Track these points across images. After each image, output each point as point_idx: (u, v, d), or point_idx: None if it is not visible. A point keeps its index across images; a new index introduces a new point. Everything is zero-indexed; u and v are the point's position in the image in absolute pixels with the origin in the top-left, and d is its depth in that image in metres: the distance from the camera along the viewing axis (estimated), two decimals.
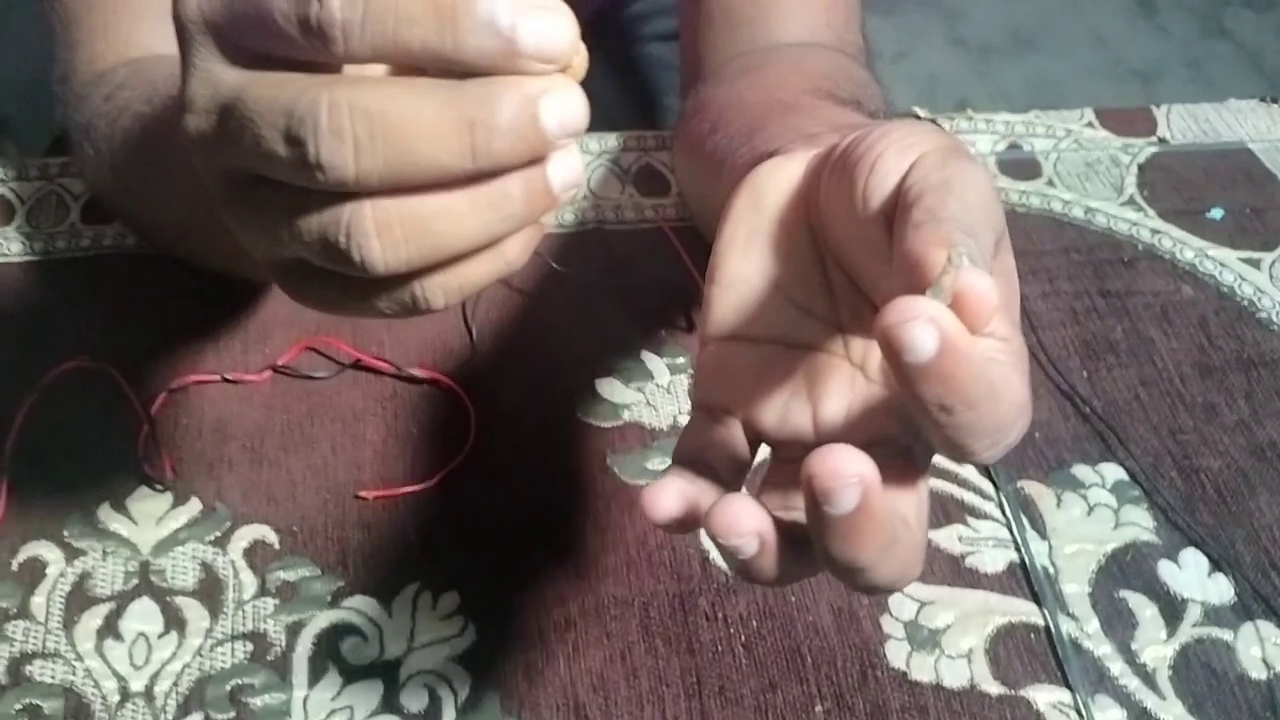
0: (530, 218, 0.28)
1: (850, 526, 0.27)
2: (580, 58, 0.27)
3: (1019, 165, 0.69)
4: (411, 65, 0.26)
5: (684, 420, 0.57)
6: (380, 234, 0.26)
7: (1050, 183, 0.69)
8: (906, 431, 0.31)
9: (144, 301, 0.59)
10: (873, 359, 0.34)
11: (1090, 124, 0.72)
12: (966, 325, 0.26)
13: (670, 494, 0.32)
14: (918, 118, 0.71)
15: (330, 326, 0.58)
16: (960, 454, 0.28)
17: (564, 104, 0.26)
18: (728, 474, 0.34)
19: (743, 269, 0.36)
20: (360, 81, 0.26)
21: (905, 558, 0.29)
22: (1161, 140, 0.71)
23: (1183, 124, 0.73)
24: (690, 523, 0.32)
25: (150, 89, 0.47)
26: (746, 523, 0.29)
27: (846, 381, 0.34)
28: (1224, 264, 0.65)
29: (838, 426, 0.33)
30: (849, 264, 0.34)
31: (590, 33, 0.86)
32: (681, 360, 0.59)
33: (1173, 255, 0.65)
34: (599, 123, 0.76)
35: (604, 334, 0.60)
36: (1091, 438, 0.58)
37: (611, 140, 0.69)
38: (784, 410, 0.34)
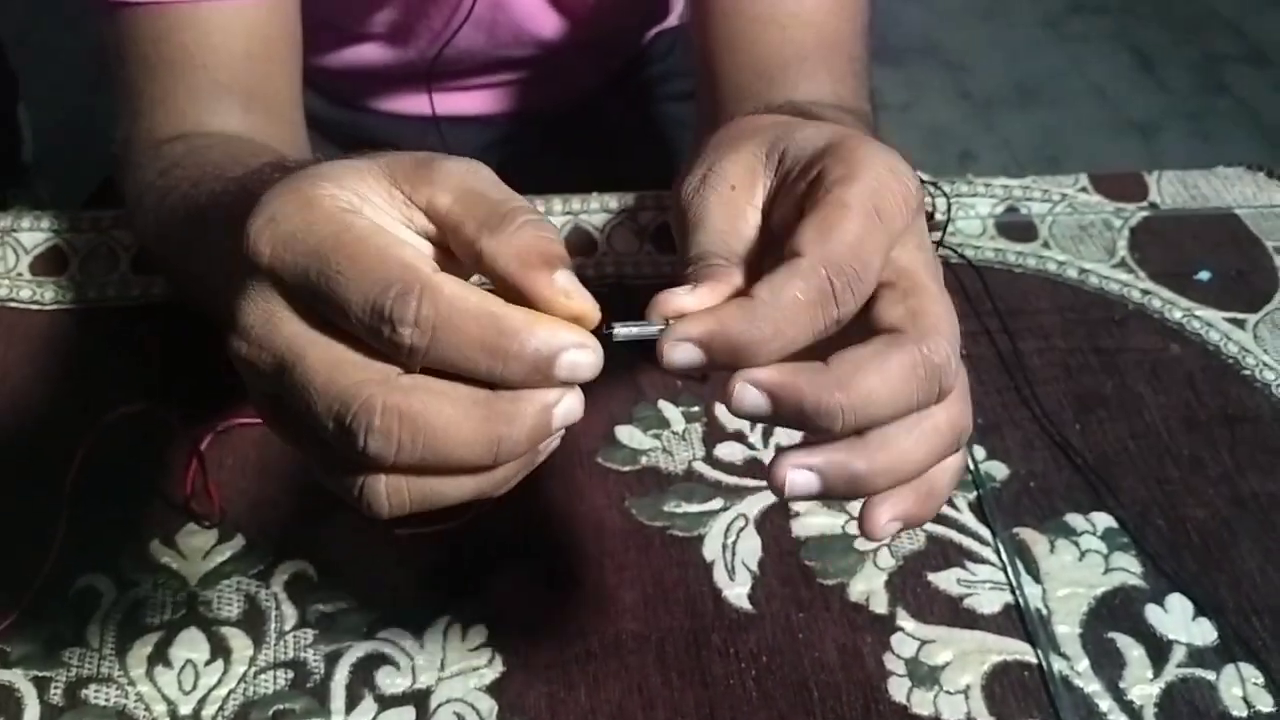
0: (519, 475, 0.33)
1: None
2: (597, 312, 0.33)
3: (1016, 228, 0.73)
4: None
5: (699, 466, 0.61)
6: (390, 496, 0.32)
7: (1046, 244, 0.72)
8: None
9: (190, 347, 0.63)
10: None
11: (1084, 188, 0.76)
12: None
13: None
14: (920, 181, 0.74)
15: None
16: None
17: (573, 404, 0.32)
18: None
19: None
20: (412, 390, 0.30)
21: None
22: (1152, 205, 0.75)
23: (1173, 189, 0.77)
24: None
25: (199, 173, 0.51)
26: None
27: None
28: (1210, 324, 0.69)
29: None
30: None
31: (610, 93, 0.91)
32: (696, 409, 0.63)
33: (1162, 315, 0.69)
34: (619, 179, 0.80)
35: (623, 384, 0.64)
36: (1083, 487, 0.61)
37: (630, 199, 0.73)
38: None
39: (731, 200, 0.37)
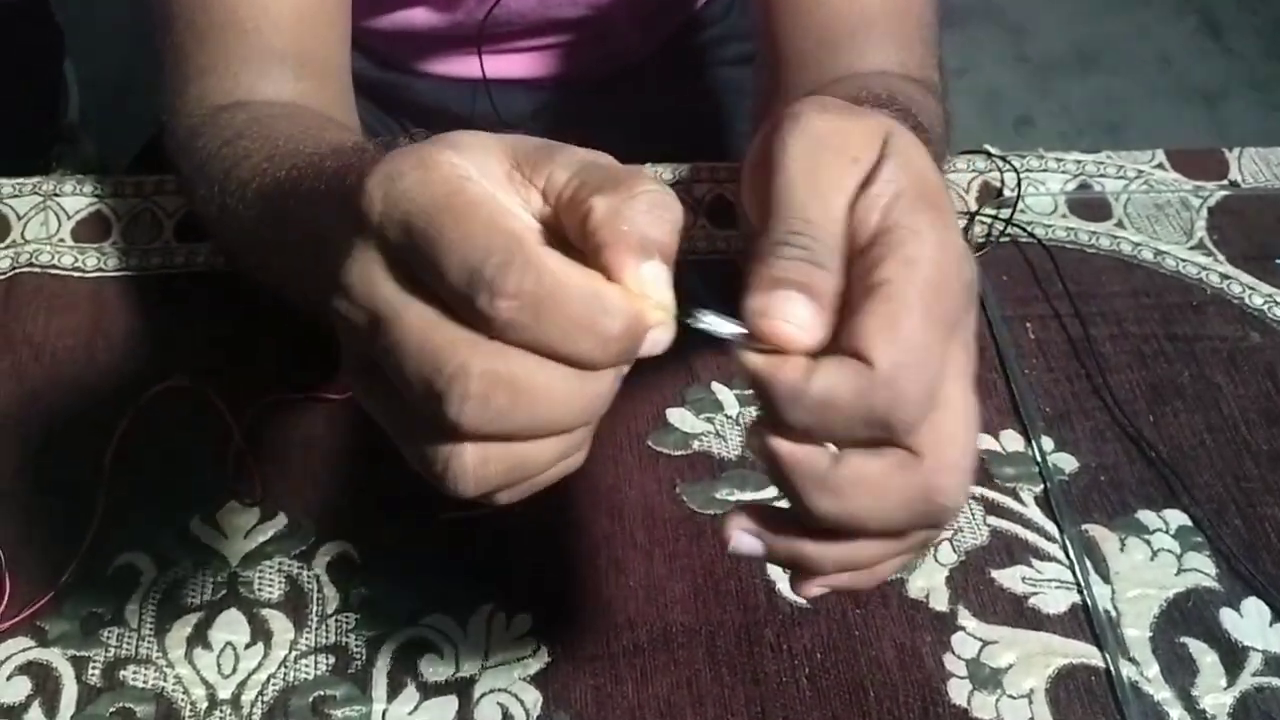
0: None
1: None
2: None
3: (1089, 206, 0.70)
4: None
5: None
6: (476, 470, 0.30)
7: (1120, 224, 0.69)
8: None
9: (234, 318, 0.61)
10: None
11: (1161, 165, 0.73)
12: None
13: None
14: (989, 155, 0.71)
15: None
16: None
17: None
18: None
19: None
20: (507, 354, 0.29)
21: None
22: (1232, 183, 0.72)
23: (1254, 167, 0.73)
24: None
25: (272, 147, 0.49)
26: None
27: None
28: None
29: None
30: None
31: (664, 58, 0.87)
32: (750, 392, 0.61)
33: (1241, 301, 0.66)
34: (672, 147, 0.77)
35: (675, 365, 0.61)
36: (1156, 482, 0.59)
37: (684, 170, 0.70)
38: None
39: (844, 170, 0.33)
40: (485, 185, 0.31)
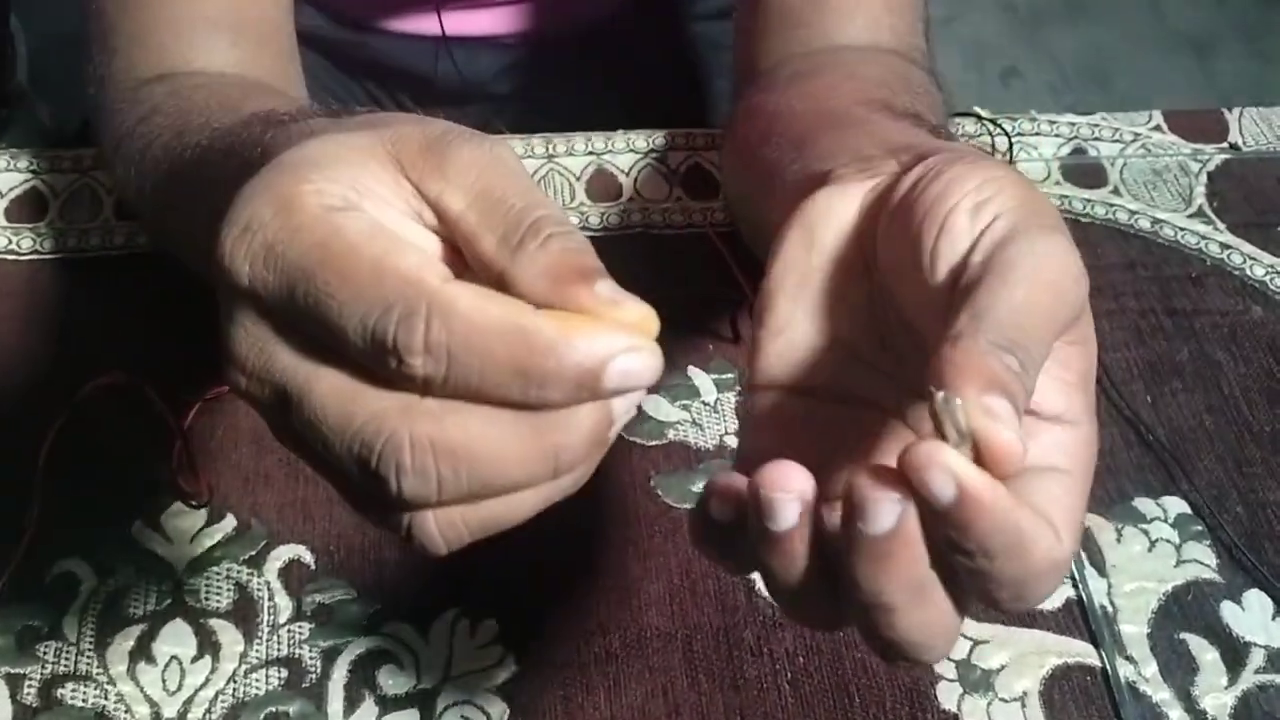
0: (590, 470, 0.28)
1: (882, 551, 0.26)
2: (656, 325, 0.27)
3: (1083, 171, 0.67)
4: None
5: (731, 441, 0.55)
6: (445, 534, 0.27)
7: (1115, 190, 0.66)
8: None
9: (180, 303, 0.57)
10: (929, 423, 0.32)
11: (1159, 127, 0.69)
12: (992, 471, 0.25)
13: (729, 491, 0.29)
14: (979, 118, 0.68)
15: None
16: (981, 598, 0.27)
17: (633, 400, 0.26)
18: None
19: (794, 314, 0.34)
20: (443, 415, 0.25)
21: (936, 615, 0.28)
22: (1233, 146, 0.68)
23: (1255, 129, 0.69)
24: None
25: (182, 121, 0.45)
26: (796, 480, 0.27)
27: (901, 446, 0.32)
28: None
29: None
30: (909, 318, 0.33)
31: (639, 13, 0.83)
32: (729, 376, 0.58)
33: (1243, 272, 0.63)
34: (646, 107, 0.73)
35: None
36: (1155, 467, 0.56)
37: (659, 138, 0.67)
38: (841, 473, 0.32)
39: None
40: (365, 212, 0.27)
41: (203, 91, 0.49)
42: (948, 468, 0.25)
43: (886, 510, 0.25)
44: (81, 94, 0.69)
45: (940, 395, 0.25)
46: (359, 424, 0.26)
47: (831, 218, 0.34)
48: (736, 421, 0.56)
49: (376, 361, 0.25)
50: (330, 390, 0.26)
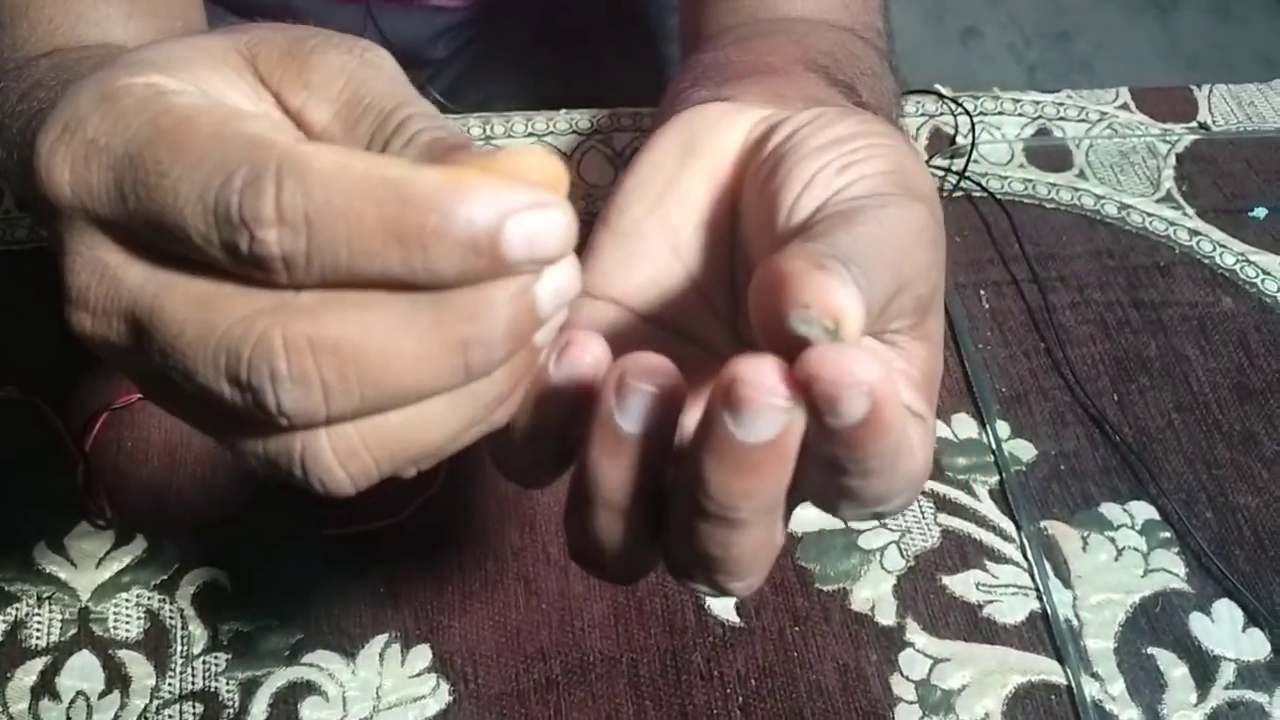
0: (518, 386, 0.23)
1: (751, 462, 0.22)
2: (565, 182, 0.22)
3: (1048, 154, 0.64)
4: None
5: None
6: (346, 463, 0.22)
7: (1081, 174, 0.63)
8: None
9: None
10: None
11: (1125, 105, 0.66)
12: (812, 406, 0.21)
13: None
14: (940, 96, 0.64)
15: None
16: (828, 509, 0.25)
17: (560, 279, 0.22)
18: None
19: (646, 226, 0.30)
20: (321, 309, 0.21)
21: (772, 538, 0.25)
22: (1202, 126, 0.66)
23: (1224, 107, 0.67)
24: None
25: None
26: (664, 371, 0.23)
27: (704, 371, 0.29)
28: (1267, 271, 0.60)
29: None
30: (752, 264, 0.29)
31: None
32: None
33: (1212, 260, 0.60)
34: (593, 84, 0.70)
35: None
36: (1121, 470, 0.53)
37: (604, 117, 0.63)
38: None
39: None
40: (205, 95, 0.22)
41: (89, 63, 0.45)
42: (864, 383, 0.21)
43: (769, 416, 0.21)
44: None
45: (793, 314, 0.21)
46: (222, 331, 0.21)
47: (716, 136, 0.30)
48: None
49: (228, 250, 0.21)
50: (185, 301, 0.21)
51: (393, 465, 0.23)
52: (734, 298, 0.31)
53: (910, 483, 0.25)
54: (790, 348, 0.22)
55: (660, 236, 0.30)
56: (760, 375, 0.21)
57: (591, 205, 0.59)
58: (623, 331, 0.30)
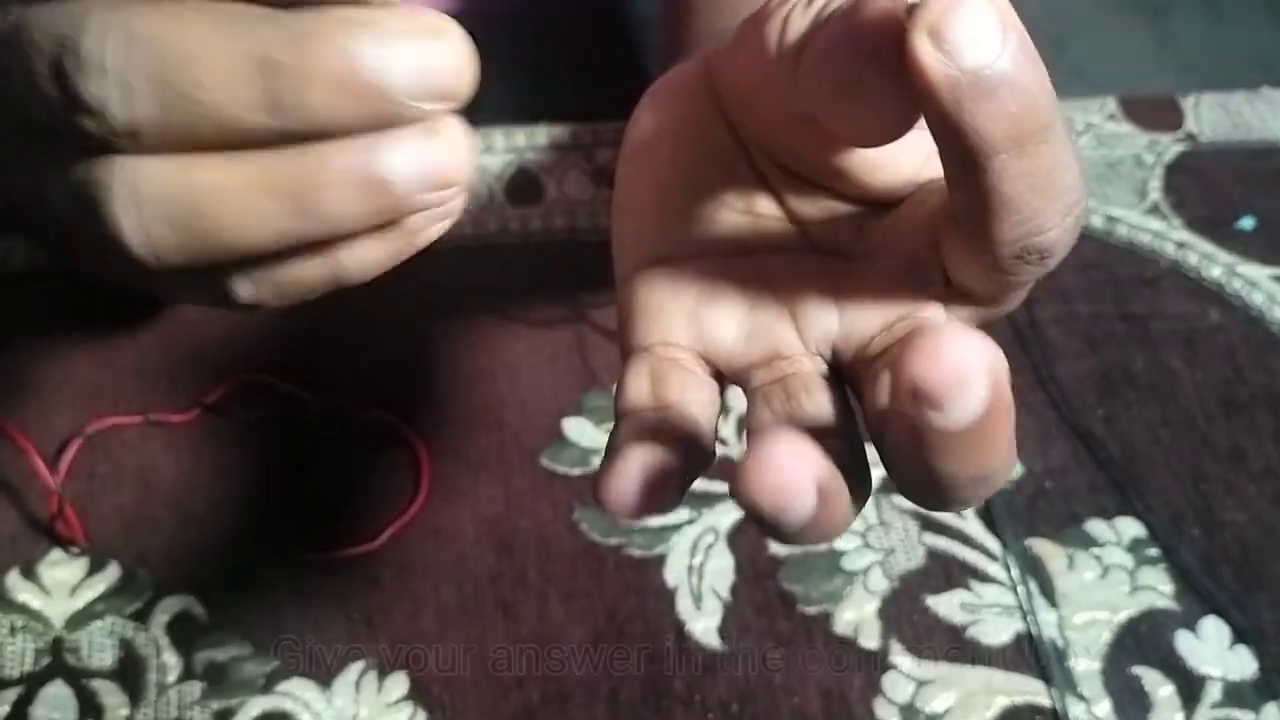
0: (363, 221, 0.21)
1: (976, 435, 0.21)
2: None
3: None
4: None
5: None
6: (140, 208, 0.20)
7: None
8: (933, 282, 0.26)
9: (58, 328, 0.53)
10: (847, 231, 0.28)
11: (1113, 116, 0.66)
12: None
13: (633, 471, 0.24)
14: None
15: (268, 359, 0.52)
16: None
17: (416, 44, 0.19)
18: (696, 426, 0.27)
19: (658, 181, 0.29)
20: (146, 5, 0.20)
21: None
22: (1190, 136, 0.65)
23: (1213, 116, 0.66)
24: (661, 493, 0.25)
25: None
26: (804, 470, 0.21)
27: (827, 271, 0.27)
28: (1254, 283, 0.59)
29: (830, 324, 0.27)
30: (779, 145, 0.28)
31: None
32: None
33: (1199, 273, 0.60)
34: (575, 100, 0.69)
35: (571, 366, 0.54)
36: (1107, 487, 0.53)
37: (585, 133, 0.62)
38: (752, 325, 0.27)
39: None
40: None
41: None
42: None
43: (974, 393, 0.20)
44: None
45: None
46: (62, 19, 0.20)
47: (684, 78, 0.30)
48: None
49: None
50: (46, 10, 0.20)
51: (191, 238, 0.20)
52: (768, 188, 0.29)
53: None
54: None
55: (678, 187, 0.29)
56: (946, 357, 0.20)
57: (573, 221, 0.59)
58: (691, 277, 0.28)
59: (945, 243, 0.24)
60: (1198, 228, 0.61)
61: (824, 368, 0.27)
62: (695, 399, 0.27)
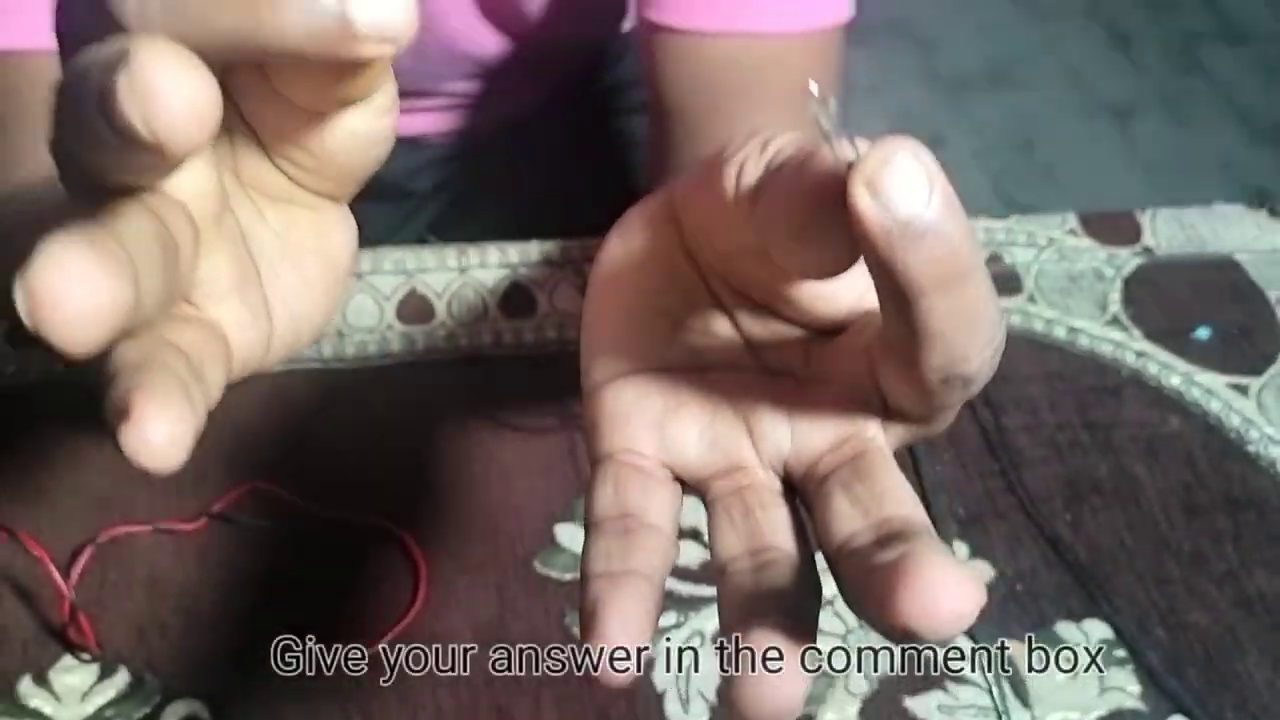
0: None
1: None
2: None
3: (999, 279, 0.67)
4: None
5: None
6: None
7: (1032, 299, 0.66)
8: (871, 404, 0.28)
9: (70, 438, 0.55)
10: (796, 354, 0.30)
11: (1073, 230, 0.70)
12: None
13: (632, 626, 0.26)
14: None
15: (271, 468, 0.55)
16: (955, 364, 0.24)
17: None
18: (658, 531, 0.28)
19: (624, 301, 0.31)
20: None
21: None
22: (1147, 250, 0.69)
23: (1169, 230, 0.70)
24: (646, 636, 0.26)
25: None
26: (798, 692, 0.24)
27: (778, 390, 0.29)
28: (1211, 391, 0.63)
29: (783, 440, 0.29)
30: (734, 275, 0.30)
31: (559, 109, 0.81)
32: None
33: (1159, 381, 0.63)
34: (566, 217, 0.73)
35: (563, 472, 0.57)
36: (1075, 589, 0.55)
37: (575, 248, 0.65)
38: (712, 436, 0.30)
39: None
40: None
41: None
42: (917, 156, 0.23)
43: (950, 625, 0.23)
44: None
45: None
46: None
47: (648, 211, 0.32)
48: None
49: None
50: None
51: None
52: (723, 311, 0.31)
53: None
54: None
55: (641, 308, 0.31)
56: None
57: (564, 333, 0.62)
58: (655, 389, 0.30)
59: (881, 368, 0.27)
60: (1157, 338, 0.65)
61: (778, 483, 0.29)
62: (658, 503, 0.29)
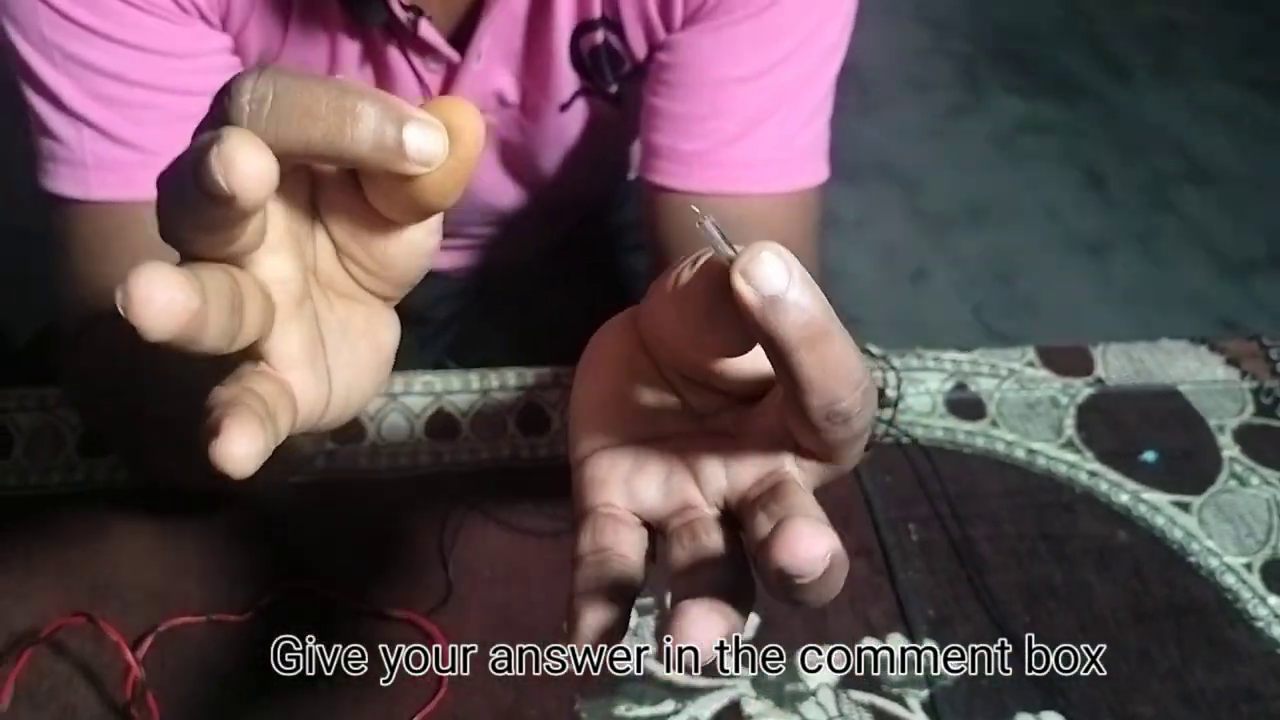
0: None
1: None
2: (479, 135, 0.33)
3: (965, 405, 0.74)
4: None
5: (650, 663, 0.60)
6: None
7: (994, 423, 0.73)
8: (786, 445, 0.35)
9: (134, 537, 0.62)
10: (729, 417, 0.37)
11: (1031, 363, 0.77)
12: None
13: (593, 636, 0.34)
14: (870, 354, 0.75)
15: (309, 567, 0.61)
16: (831, 404, 0.31)
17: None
18: (625, 561, 0.35)
19: (599, 392, 0.39)
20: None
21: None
22: (1098, 380, 0.77)
23: (1119, 363, 0.78)
24: (616, 636, 0.34)
25: None
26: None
27: (716, 444, 0.37)
28: (1157, 507, 0.70)
29: (720, 481, 0.36)
30: (679, 362, 0.37)
31: (567, 248, 0.89)
32: (648, 601, 0.63)
33: (1109, 498, 0.70)
34: (576, 343, 0.80)
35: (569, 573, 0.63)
36: (1034, 684, 0.61)
37: None
38: (668, 486, 0.37)
39: None
40: None
41: None
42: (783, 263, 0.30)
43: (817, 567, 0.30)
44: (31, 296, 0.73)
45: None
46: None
47: (614, 328, 0.39)
48: (654, 644, 0.61)
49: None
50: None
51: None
52: (677, 393, 0.38)
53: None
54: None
55: (614, 399, 0.38)
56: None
57: None
58: (625, 458, 0.37)
59: (786, 416, 0.35)
60: (1107, 460, 0.72)
61: (718, 514, 0.37)
62: (626, 540, 0.37)
